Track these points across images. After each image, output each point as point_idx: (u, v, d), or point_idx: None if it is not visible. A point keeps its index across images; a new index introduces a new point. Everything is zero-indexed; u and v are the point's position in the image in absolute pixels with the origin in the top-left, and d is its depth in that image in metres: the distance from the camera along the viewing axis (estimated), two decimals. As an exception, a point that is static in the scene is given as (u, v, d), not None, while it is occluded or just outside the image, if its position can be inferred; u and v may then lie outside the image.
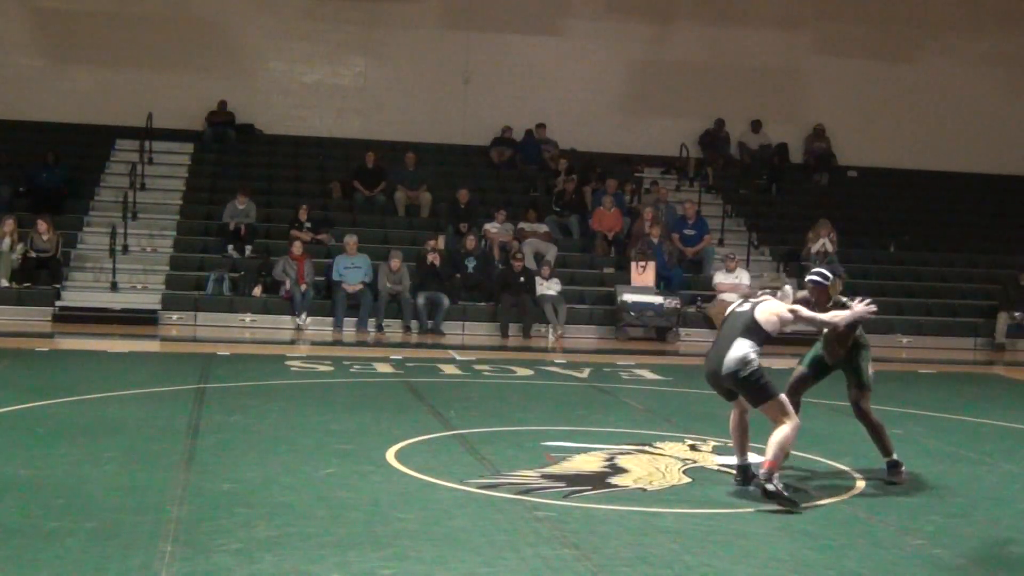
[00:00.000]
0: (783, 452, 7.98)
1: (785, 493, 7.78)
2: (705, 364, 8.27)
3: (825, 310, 8.59)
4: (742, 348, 7.97)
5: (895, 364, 18.70)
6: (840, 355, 8.85)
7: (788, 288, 8.44)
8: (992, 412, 13.05)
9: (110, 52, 25.07)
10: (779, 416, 7.98)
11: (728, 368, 7.97)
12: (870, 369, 8.92)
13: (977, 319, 22.15)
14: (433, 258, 20.41)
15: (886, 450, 8.90)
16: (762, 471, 7.90)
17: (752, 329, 8.08)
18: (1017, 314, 21.52)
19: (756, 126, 27.05)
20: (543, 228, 22.47)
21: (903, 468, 8.84)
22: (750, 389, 7.99)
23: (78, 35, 25.03)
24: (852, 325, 8.58)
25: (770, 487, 7.76)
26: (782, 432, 7.91)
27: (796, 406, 8.53)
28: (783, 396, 8.14)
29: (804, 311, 8.36)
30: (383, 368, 14.99)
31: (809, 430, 11.20)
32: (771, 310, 8.17)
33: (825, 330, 8.77)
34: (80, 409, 10.79)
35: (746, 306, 8.34)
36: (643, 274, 20.94)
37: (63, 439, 9.23)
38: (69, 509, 7.04)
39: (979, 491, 8.71)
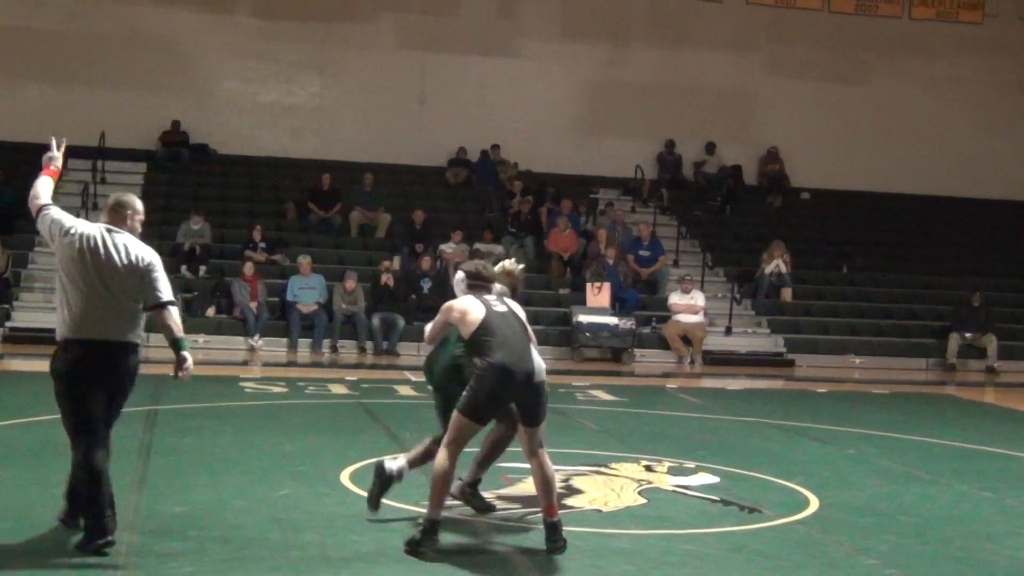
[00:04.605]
0: None
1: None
2: (509, 367, 7.02)
3: None
4: (538, 356, 7.28)
5: (848, 384, 18.84)
6: None
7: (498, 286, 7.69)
8: (944, 432, 13.16)
9: (62, 70, 24.86)
10: (542, 437, 7.22)
11: (540, 376, 7.17)
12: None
13: (929, 340, 22.34)
14: (387, 279, 20.36)
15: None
16: (556, 519, 7.00)
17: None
18: (968, 335, 21.74)
19: (710, 148, 27.21)
20: (499, 249, 22.46)
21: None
22: (544, 403, 7.23)
23: (29, 53, 24.79)
24: None
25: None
26: (548, 460, 7.10)
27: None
28: None
29: None
30: (338, 389, 14.92)
31: (763, 450, 11.27)
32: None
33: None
34: (29, 431, 10.64)
35: (502, 307, 7.30)
36: (598, 295, 20.98)
37: (12, 462, 9.10)
38: (18, 533, 6.93)
39: (932, 511, 8.77)
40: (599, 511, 8.15)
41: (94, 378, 6.69)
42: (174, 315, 6.87)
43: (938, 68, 28.02)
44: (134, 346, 6.84)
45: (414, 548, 6.77)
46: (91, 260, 6.72)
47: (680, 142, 27.02)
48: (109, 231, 6.86)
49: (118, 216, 6.96)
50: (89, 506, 6.62)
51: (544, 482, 7.06)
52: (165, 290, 6.86)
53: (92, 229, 6.86)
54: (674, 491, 8.93)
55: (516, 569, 6.63)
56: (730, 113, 27.41)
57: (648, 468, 9.68)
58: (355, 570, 6.47)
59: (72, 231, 6.82)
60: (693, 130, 27.02)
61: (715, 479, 9.44)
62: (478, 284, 7.45)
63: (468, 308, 7.20)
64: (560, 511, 7.56)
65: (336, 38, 25.99)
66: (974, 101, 28.17)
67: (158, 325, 6.80)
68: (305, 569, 6.44)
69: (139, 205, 7.09)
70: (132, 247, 6.85)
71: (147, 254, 6.87)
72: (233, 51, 25.79)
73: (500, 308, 7.29)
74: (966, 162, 27.87)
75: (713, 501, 8.65)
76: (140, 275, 6.78)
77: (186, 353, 6.77)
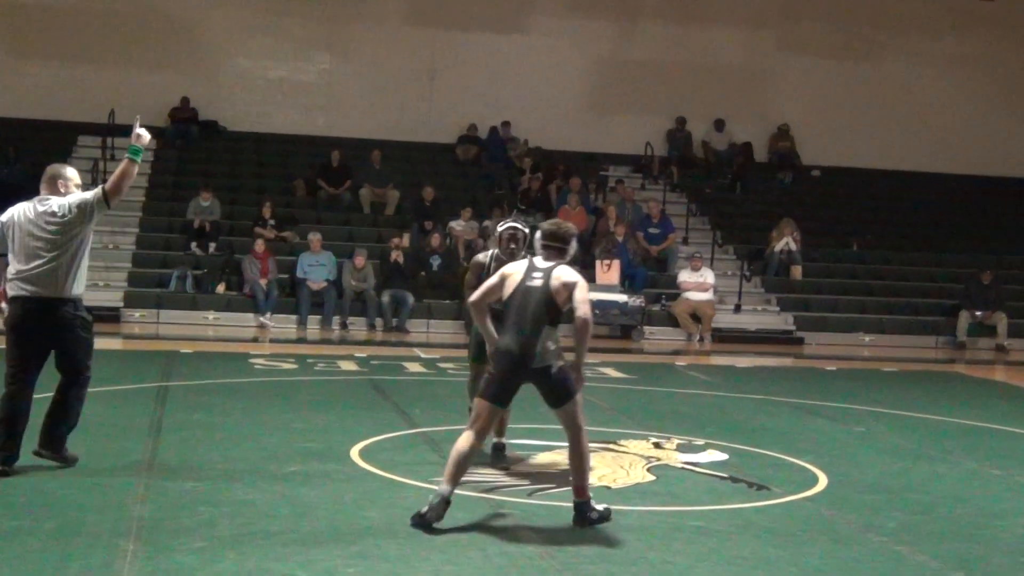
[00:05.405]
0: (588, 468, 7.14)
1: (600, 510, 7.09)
2: (512, 351, 6.93)
3: None
4: (550, 337, 6.95)
5: (857, 362, 18.84)
6: None
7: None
8: (953, 410, 13.16)
9: (71, 47, 24.87)
10: (579, 416, 7.01)
11: (540, 362, 6.92)
12: None
13: (939, 318, 22.31)
14: (397, 256, 20.38)
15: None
16: (581, 501, 7.03)
17: (551, 311, 6.94)
18: (979, 313, 21.70)
19: (720, 125, 27.14)
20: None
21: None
22: (556, 386, 6.99)
23: (39, 30, 24.80)
24: None
25: (594, 515, 7.04)
26: (582, 443, 7.00)
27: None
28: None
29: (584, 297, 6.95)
30: (347, 366, 14.95)
31: (772, 427, 11.28)
32: (582, 295, 6.89)
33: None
34: (40, 407, 10.66)
35: (537, 282, 6.94)
36: (608, 272, 20.97)
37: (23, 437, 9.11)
38: (30, 508, 6.97)
39: (940, 489, 8.77)
40: (608, 488, 8.16)
41: (32, 331, 7.60)
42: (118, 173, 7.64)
43: (948, 45, 27.90)
44: (68, 300, 7.57)
45: (420, 520, 6.78)
46: (25, 228, 7.57)
47: (690, 119, 26.95)
48: (41, 200, 7.68)
49: (52, 187, 7.78)
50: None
51: (571, 462, 7.10)
52: (92, 191, 7.62)
53: (23, 204, 7.71)
54: (683, 468, 8.95)
55: (523, 544, 6.64)
56: (741, 90, 27.33)
57: (657, 445, 9.69)
58: (365, 546, 6.49)
59: (7, 218, 7.70)
60: (703, 107, 26.95)
61: (724, 456, 9.46)
62: (551, 245, 7.06)
63: (507, 277, 7.07)
64: (569, 487, 7.58)
65: (345, 14, 25.95)
66: (984, 78, 28.04)
67: (124, 176, 7.59)
68: (315, 544, 6.47)
69: (70, 173, 7.89)
70: (55, 204, 7.59)
71: (70, 198, 7.61)
72: (242, 28, 25.77)
73: (534, 283, 6.93)
74: (976, 139, 27.77)
75: (722, 478, 8.67)
76: (70, 217, 7.53)
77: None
